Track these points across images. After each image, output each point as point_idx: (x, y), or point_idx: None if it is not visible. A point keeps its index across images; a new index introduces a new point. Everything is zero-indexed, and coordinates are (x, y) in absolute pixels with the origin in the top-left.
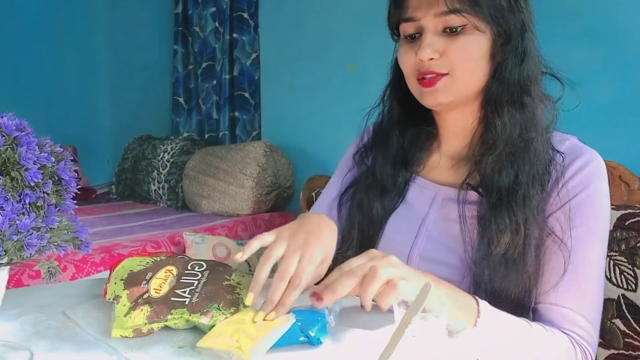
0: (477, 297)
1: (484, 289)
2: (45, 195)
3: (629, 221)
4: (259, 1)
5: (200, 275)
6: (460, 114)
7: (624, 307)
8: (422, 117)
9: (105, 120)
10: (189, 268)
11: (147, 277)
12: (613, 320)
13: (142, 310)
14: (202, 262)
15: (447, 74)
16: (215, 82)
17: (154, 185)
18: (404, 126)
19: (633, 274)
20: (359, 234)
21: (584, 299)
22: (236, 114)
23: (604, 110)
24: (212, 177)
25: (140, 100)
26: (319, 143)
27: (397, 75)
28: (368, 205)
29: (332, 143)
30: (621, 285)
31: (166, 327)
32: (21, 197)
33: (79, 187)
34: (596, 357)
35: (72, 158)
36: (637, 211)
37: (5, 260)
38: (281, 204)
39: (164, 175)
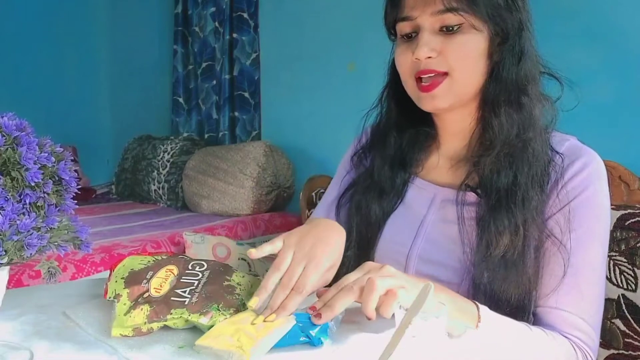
0: (477, 302)
1: (483, 290)
2: (45, 195)
3: (629, 221)
4: (259, 1)
5: (200, 275)
6: (459, 114)
7: (624, 307)
8: (420, 118)
9: (105, 120)
10: (190, 268)
11: (148, 276)
12: (613, 320)
13: (142, 309)
14: (202, 262)
15: (446, 74)
16: (215, 82)
17: (154, 185)
18: (401, 127)
19: (633, 274)
20: (358, 236)
21: (584, 302)
22: (236, 114)
23: (603, 110)
24: (212, 177)
25: (140, 100)
26: (319, 143)
27: (395, 76)
28: (366, 207)
29: (332, 143)
30: (621, 285)
31: (166, 327)
32: (21, 197)
33: (79, 187)
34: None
35: (72, 158)
36: (637, 211)
37: (5, 260)
38: (281, 204)
39: (164, 175)
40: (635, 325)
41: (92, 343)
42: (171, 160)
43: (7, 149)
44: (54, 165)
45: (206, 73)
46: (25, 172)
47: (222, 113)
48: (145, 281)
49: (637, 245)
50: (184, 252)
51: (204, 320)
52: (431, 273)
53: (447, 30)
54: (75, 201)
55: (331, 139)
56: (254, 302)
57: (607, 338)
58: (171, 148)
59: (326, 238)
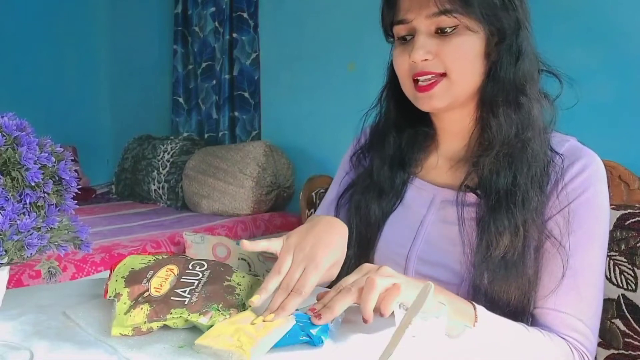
0: (474, 303)
1: (482, 291)
2: (45, 195)
3: (629, 221)
4: (259, 1)
5: (201, 275)
6: (457, 114)
7: (624, 307)
8: (419, 118)
9: (105, 120)
10: (190, 267)
11: (148, 276)
12: (613, 320)
13: (142, 309)
14: (203, 262)
15: (443, 75)
16: (215, 82)
17: (154, 185)
18: (400, 127)
19: (633, 274)
20: (357, 236)
21: (582, 303)
22: (236, 113)
23: (603, 110)
24: (212, 177)
25: (140, 100)
26: (319, 143)
27: (393, 77)
28: (366, 207)
29: (332, 143)
30: (621, 285)
31: (166, 327)
32: (22, 197)
33: (79, 187)
34: (596, 357)
35: (72, 158)
36: (637, 211)
37: (5, 260)
38: (281, 204)
39: (163, 175)
40: (635, 325)
41: (92, 343)
42: (171, 160)
43: (7, 149)
44: (54, 165)
45: (206, 73)
46: (26, 172)
47: (222, 113)
48: (145, 280)
49: (637, 245)
50: (184, 252)
51: (203, 320)
52: (431, 274)
53: (443, 33)
54: (76, 201)
55: (331, 139)
56: (255, 298)
57: (607, 338)
58: (171, 148)
59: (326, 238)
